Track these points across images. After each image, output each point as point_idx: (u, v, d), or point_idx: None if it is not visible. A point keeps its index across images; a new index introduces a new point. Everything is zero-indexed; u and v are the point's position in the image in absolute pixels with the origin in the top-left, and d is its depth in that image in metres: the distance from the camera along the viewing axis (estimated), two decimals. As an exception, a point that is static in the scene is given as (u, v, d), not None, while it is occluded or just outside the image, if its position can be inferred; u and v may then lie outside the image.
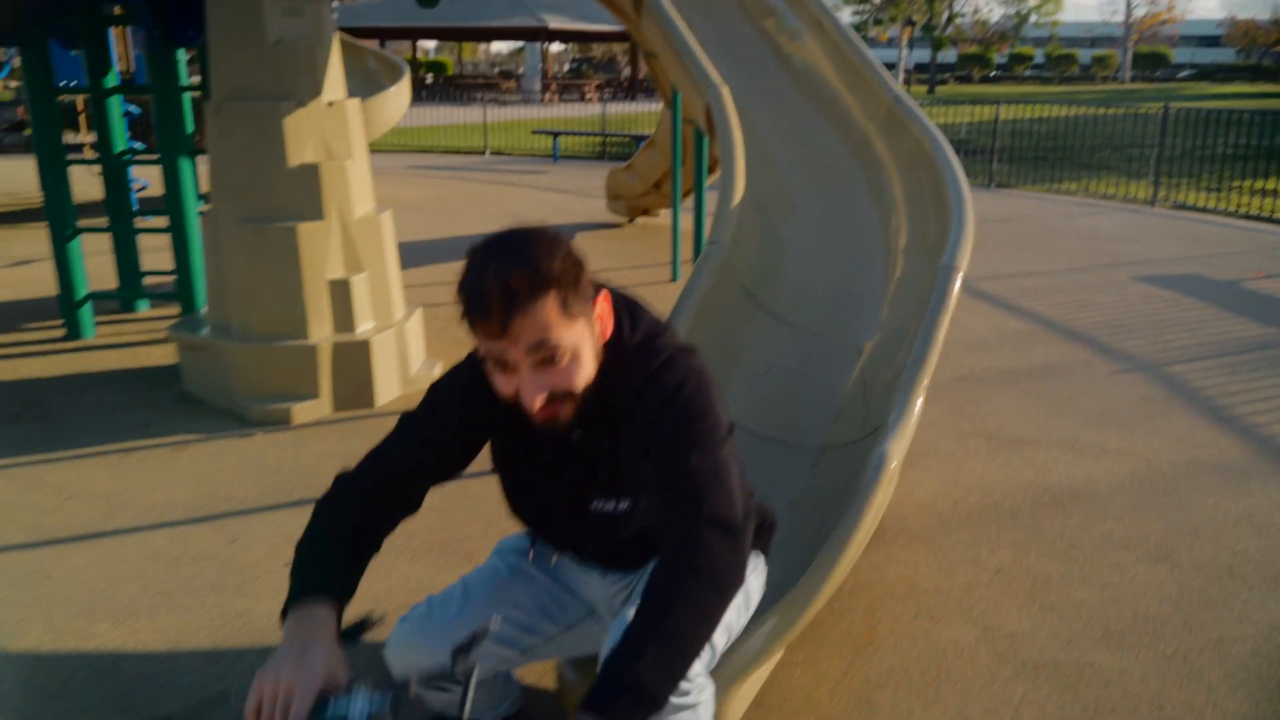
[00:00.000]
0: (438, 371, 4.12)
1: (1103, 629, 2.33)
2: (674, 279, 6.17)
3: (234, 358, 3.79)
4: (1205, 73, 55.95)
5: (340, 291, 3.84)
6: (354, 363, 3.85)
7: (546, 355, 1.29)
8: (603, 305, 1.38)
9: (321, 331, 3.82)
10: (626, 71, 44.18)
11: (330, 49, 3.92)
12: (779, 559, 1.83)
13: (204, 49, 4.14)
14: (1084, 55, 59.42)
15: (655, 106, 24.78)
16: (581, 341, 1.33)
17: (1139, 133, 12.68)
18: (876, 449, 2.02)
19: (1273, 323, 5.15)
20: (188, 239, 4.72)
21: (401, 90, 9.27)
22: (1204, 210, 9.07)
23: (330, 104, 3.86)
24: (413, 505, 1.51)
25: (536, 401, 1.31)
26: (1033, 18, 45.58)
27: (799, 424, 2.97)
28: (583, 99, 33.20)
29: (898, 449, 2.05)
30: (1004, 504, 3.06)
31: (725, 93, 3.42)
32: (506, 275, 1.23)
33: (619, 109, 21.63)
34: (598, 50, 58.80)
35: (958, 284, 2.66)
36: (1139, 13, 48.91)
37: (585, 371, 1.35)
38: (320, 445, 3.56)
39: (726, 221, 3.15)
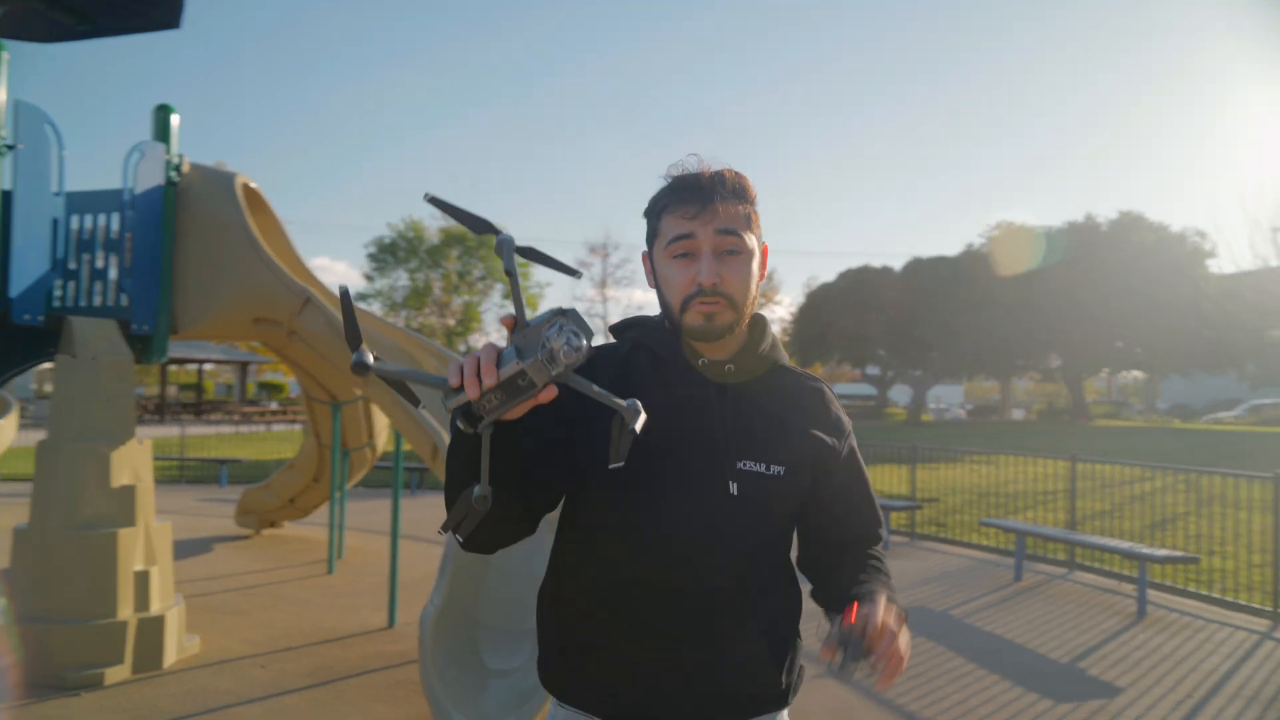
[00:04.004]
0: (198, 642, 5.48)
1: None
2: (330, 571, 7.80)
3: (55, 637, 4.86)
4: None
5: (141, 580, 5.15)
6: (150, 634, 5.11)
7: (729, 245, 1.46)
8: (765, 253, 1.54)
9: (127, 611, 5.07)
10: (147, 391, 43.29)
11: (134, 403, 5.45)
12: None
13: None
14: (576, 383, 69.43)
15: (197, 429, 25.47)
16: (755, 253, 1.49)
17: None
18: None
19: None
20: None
21: (10, 422, 9.92)
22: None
23: (140, 441, 5.35)
24: (548, 501, 1.48)
25: (710, 279, 1.43)
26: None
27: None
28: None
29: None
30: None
31: (448, 437, 5.51)
32: (722, 171, 1.49)
33: (198, 431, 22.32)
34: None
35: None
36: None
37: (750, 285, 1.49)
38: (137, 696, 4.76)
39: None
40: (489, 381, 1.16)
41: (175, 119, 5.88)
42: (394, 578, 6.24)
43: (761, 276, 1.53)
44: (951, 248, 36.42)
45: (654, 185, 1.55)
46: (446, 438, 5.41)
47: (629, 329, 1.61)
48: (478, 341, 50.84)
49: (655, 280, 1.54)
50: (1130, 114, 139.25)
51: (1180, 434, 27.49)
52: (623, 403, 1.22)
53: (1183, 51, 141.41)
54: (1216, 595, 7.14)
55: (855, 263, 47.94)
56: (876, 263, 41.46)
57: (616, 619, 1.47)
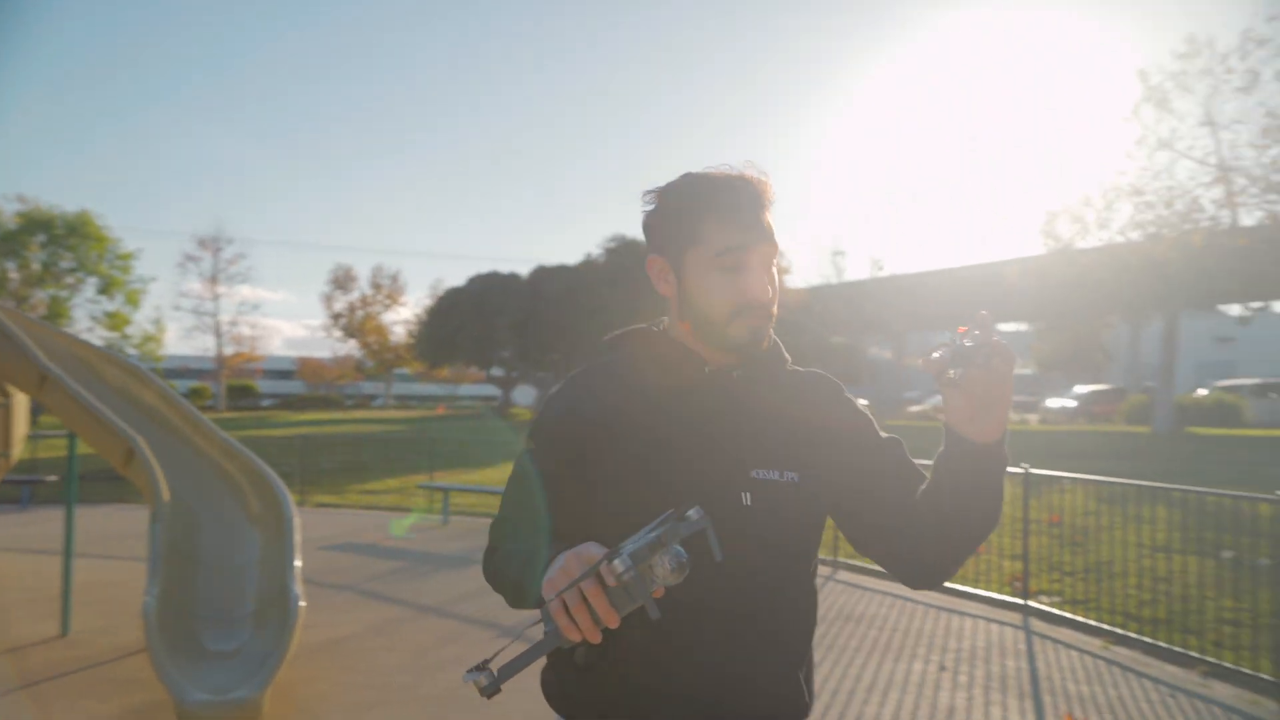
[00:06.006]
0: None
1: None
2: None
3: None
4: (287, 402, 65.43)
5: None
6: None
7: (772, 259, 1.42)
8: None
9: None
10: None
11: None
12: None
13: None
14: (182, 386, 64.21)
15: None
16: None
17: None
18: (292, 592, 4.74)
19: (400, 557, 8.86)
20: None
21: None
22: (334, 506, 13.02)
23: None
24: None
25: (766, 295, 1.39)
26: (133, 352, 48.29)
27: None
28: None
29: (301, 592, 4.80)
30: (313, 649, 5.83)
31: (143, 441, 5.57)
32: (761, 178, 1.42)
33: None
34: None
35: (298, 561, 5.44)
36: (228, 350, 55.58)
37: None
38: None
39: (156, 550, 5.01)
40: (613, 623, 1.16)
41: None
42: (67, 585, 6.21)
43: None
44: (573, 257, 38.82)
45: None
46: (142, 441, 5.62)
47: (624, 341, 1.57)
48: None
49: (680, 286, 1.48)
50: (714, 140, 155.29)
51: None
52: (692, 515, 1.17)
53: (756, 80, 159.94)
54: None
55: (484, 267, 49.23)
56: (504, 268, 42.99)
57: (629, 640, 1.32)
